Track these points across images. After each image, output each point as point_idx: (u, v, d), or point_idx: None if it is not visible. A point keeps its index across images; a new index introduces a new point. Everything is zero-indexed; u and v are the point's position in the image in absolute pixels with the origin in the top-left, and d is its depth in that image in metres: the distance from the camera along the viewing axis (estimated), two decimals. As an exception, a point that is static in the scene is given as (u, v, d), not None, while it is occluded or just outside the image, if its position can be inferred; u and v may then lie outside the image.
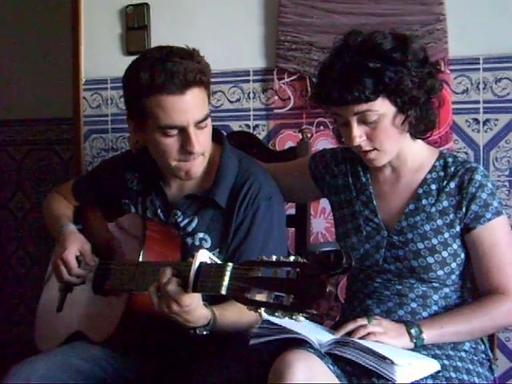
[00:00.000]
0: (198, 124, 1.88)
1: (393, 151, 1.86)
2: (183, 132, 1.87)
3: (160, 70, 1.83)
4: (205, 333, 1.73)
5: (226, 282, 1.52)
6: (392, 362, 1.59)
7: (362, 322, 1.76)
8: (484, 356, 1.87)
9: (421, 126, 1.85)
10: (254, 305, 1.44)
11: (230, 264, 1.54)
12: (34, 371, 1.82)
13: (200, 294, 1.67)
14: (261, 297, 1.46)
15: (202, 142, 1.90)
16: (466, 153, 2.47)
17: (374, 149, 1.84)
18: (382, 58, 1.76)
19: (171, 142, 1.89)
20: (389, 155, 1.86)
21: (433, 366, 1.71)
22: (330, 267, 1.39)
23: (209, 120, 1.92)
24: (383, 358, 1.60)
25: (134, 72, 1.88)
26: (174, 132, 1.87)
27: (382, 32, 1.82)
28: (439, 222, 1.85)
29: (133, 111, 1.94)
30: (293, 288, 1.40)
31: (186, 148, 1.88)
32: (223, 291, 1.52)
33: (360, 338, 1.71)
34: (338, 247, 1.43)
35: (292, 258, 1.43)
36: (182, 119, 1.85)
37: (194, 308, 1.67)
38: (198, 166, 1.93)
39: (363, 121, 1.80)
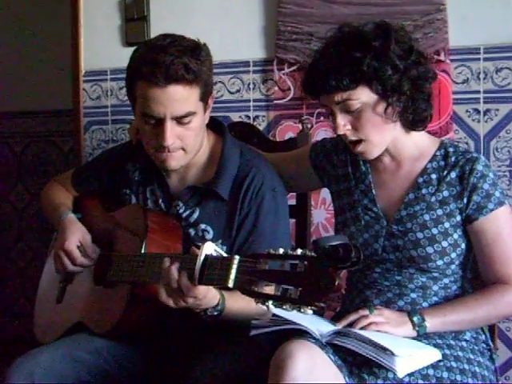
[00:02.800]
0: (179, 119, 1.88)
1: (381, 142, 1.85)
2: (160, 123, 1.88)
3: (150, 59, 1.85)
4: (215, 313, 1.74)
5: (233, 275, 1.52)
6: (392, 354, 1.59)
7: (364, 312, 1.77)
8: (485, 346, 1.87)
9: (408, 115, 1.84)
10: (262, 298, 1.44)
11: (237, 257, 1.54)
12: (38, 364, 1.83)
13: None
14: (268, 290, 1.45)
15: (181, 137, 1.90)
16: (467, 143, 2.47)
17: (361, 140, 1.83)
18: (362, 47, 1.77)
19: (149, 130, 1.91)
20: (378, 147, 1.86)
21: (434, 355, 1.71)
22: (338, 261, 1.39)
23: (196, 118, 1.91)
24: (384, 349, 1.60)
25: (133, 55, 1.93)
26: (152, 121, 1.89)
27: (368, 22, 1.83)
28: (439, 211, 1.85)
29: (128, 93, 1.98)
30: (301, 281, 1.39)
31: (159, 140, 1.89)
32: (230, 284, 1.51)
33: (362, 328, 1.71)
34: (347, 240, 1.42)
35: (300, 252, 1.43)
36: (159, 110, 1.86)
37: (205, 294, 1.67)
38: (176, 159, 1.93)
39: (346, 110, 1.81)
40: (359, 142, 1.84)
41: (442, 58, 2.44)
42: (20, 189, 3.80)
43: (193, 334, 1.86)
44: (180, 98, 1.86)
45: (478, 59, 2.45)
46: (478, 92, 2.46)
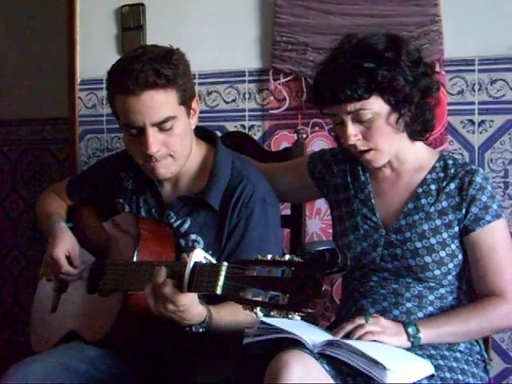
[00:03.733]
0: (159, 125, 1.88)
1: (389, 151, 1.87)
2: (142, 133, 1.89)
3: (121, 70, 1.88)
4: (201, 330, 1.74)
5: (221, 282, 1.52)
6: (384, 368, 1.57)
7: (360, 321, 1.76)
8: (479, 357, 1.87)
9: (417, 125, 1.86)
10: (250, 304, 1.44)
11: (226, 263, 1.54)
12: (32, 373, 1.82)
13: (196, 295, 1.67)
14: (257, 296, 1.45)
15: (166, 144, 1.90)
16: (461, 154, 2.47)
17: (370, 149, 1.85)
18: (375, 58, 1.79)
19: (134, 141, 1.93)
20: (385, 156, 1.87)
21: (427, 369, 1.70)
22: (325, 266, 1.39)
23: (178, 123, 1.91)
24: (375, 363, 1.59)
25: (109, 70, 1.96)
26: (134, 131, 1.90)
27: (377, 33, 1.85)
28: (438, 221, 1.86)
29: (111, 108, 1.99)
30: (288, 287, 1.40)
31: (143, 149, 1.90)
32: (218, 291, 1.52)
33: (358, 338, 1.71)
34: (334, 245, 1.43)
35: (287, 257, 1.43)
36: (138, 119, 1.87)
37: (190, 306, 1.67)
38: (164, 167, 1.94)
39: (358, 120, 1.82)
40: (368, 150, 1.85)
41: (437, 69, 2.44)
42: (15, 197, 3.79)
43: (186, 344, 1.85)
44: (155, 104, 1.86)
45: (473, 71, 2.46)
46: (472, 103, 2.46)
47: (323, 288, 1.36)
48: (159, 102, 1.87)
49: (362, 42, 1.83)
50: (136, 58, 1.87)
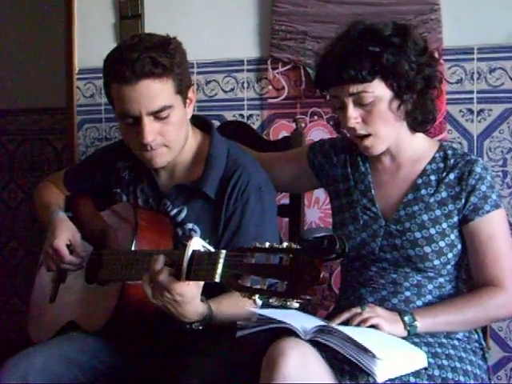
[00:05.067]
0: (155, 114, 1.88)
1: (388, 138, 1.87)
2: (138, 122, 1.89)
3: (117, 58, 1.88)
4: (200, 328, 1.74)
5: (219, 270, 1.52)
6: (374, 356, 1.56)
7: (357, 310, 1.77)
8: (477, 345, 1.87)
9: (418, 115, 1.86)
10: (248, 291, 1.44)
11: (224, 251, 1.54)
12: (32, 364, 1.82)
13: (198, 290, 1.66)
14: (255, 284, 1.45)
15: (162, 133, 1.90)
16: (460, 143, 2.47)
17: (369, 134, 1.84)
18: (381, 43, 1.80)
19: (129, 130, 1.93)
20: (384, 143, 1.87)
21: (420, 361, 1.68)
22: (323, 253, 1.39)
23: (174, 112, 1.90)
24: (365, 350, 1.57)
25: (105, 59, 1.96)
26: (130, 120, 1.90)
27: (384, 21, 1.86)
28: (437, 212, 1.86)
29: (107, 97, 1.99)
30: (287, 274, 1.40)
31: (139, 138, 1.89)
32: (217, 279, 1.52)
33: (357, 325, 1.71)
34: (331, 232, 1.43)
35: (285, 245, 1.43)
36: (134, 108, 1.87)
37: (188, 301, 1.66)
38: (160, 156, 1.94)
39: (359, 103, 1.82)
40: (367, 136, 1.85)
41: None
42: (13, 187, 3.78)
43: (185, 333, 1.85)
44: (152, 92, 1.86)
45: (472, 59, 2.46)
46: (471, 92, 2.46)
47: (321, 275, 1.35)
48: (155, 91, 1.87)
49: (369, 27, 1.84)
50: (132, 47, 1.87)
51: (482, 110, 2.46)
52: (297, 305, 1.39)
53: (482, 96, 2.45)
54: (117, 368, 1.94)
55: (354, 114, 1.82)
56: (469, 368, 1.76)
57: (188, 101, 1.97)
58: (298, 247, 1.41)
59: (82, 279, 2.04)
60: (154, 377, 1.91)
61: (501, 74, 2.43)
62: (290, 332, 1.66)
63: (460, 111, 2.48)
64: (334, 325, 1.68)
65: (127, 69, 1.84)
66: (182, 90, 1.93)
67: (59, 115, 3.44)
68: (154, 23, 2.75)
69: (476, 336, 1.89)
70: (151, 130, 1.88)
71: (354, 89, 1.80)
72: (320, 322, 1.72)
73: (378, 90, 1.80)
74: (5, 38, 3.74)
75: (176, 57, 1.90)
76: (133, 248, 1.87)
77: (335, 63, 1.80)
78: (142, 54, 1.84)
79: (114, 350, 1.95)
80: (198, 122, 2.07)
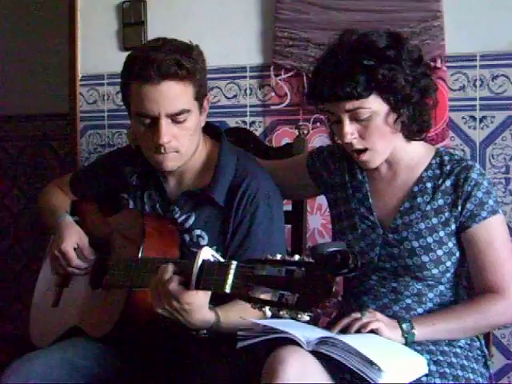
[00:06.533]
0: (173, 117, 1.88)
1: (385, 151, 1.86)
2: (155, 122, 1.88)
3: (142, 58, 1.87)
4: (207, 335, 1.73)
5: (230, 281, 1.51)
6: (379, 369, 1.55)
7: (356, 315, 1.76)
8: (479, 352, 1.87)
9: (414, 126, 1.85)
10: (259, 303, 1.43)
11: (235, 262, 1.53)
12: (34, 369, 1.81)
13: (206, 299, 1.65)
14: (265, 295, 1.45)
15: (177, 137, 1.90)
16: (463, 150, 2.47)
17: (366, 149, 1.84)
18: (375, 56, 1.77)
19: (145, 131, 1.92)
20: (382, 156, 1.86)
21: (421, 367, 1.68)
22: (336, 267, 1.38)
23: (191, 117, 1.91)
24: (370, 363, 1.56)
25: (126, 59, 1.95)
26: (147, 121, 1.90)
27: (377, 31, 1.83)
28: (434, 220, 1.85)
29: (123, 97, 1.99)
30: (298, 287, 1.39)
31: (154, 139, 1.89)
32: (227, 289, 1.51)
33: (356, 331, 1.71)
34: (345, 247, 1.42)
35: (298, 258, 1.42)
36: (153, 108, 1.87)
37: (196, 309, 1.65)
38: (171, 160, 1.93)
39: (355, 118, 1.80)
40: (364, 150, 1.84)
41: (438, 65, 2.44)
42: (16, 192, 3.79)
43: (189, 340, 1.85)
44: (173, 94, 1.87)
45: (475, 66, 2.46)
46: (474, 99, 2.46)
47: (333, 289, 1.35)
48: (177, 94, 1.87)
49: (362, 38, 1.81)
50: (158, 48, 1.87)
51: (484, 117, 2.46)
52: (307, 318, 1.39)
53: (484, 103, 2.45)
54: (119, 374, 1.93)
55: (350, 129, 1.81)
56: (471, 376, 1.76)
57: (203, 109, 1.98)
58: (311, 261, 1.40)
59: (85, 284, 2.04)
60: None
61: (503, 80, 2.43)
62: (291, 341, 1.65)
63: (462, 118, 2.48)
64: (336, 334, 1.68)
65: (152, 68, 1.84)
66: (199, 97, 1.94)
67: (62, 121, 3.45)
68: (157, 30, 2.76)
69: (478, 343, 1.88)
70: (168, 131, 1.88)
71: (350, 105, 1.78)
72: (322, 333, 1.71)
73: (375, 105, 1.79)
74: (8, 44, 3.75)
75: (199, 63, 1.92)
76: (139, 255, 1.86)
77: (330, 80, 1.78)
78: (168, 55, 1.85)
79: (116, 357, 1.95)
80: (209, 128, 2.07)
